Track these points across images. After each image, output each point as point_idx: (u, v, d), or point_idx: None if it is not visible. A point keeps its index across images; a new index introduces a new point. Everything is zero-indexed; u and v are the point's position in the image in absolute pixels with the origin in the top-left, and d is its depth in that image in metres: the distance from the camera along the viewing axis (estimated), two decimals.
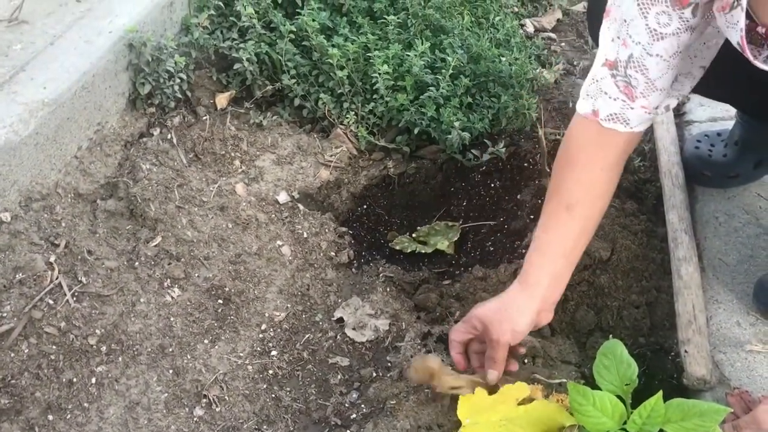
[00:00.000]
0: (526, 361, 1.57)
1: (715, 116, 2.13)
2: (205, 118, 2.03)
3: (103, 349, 1.51)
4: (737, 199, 1.84)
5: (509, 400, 1.36)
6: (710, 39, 1.34)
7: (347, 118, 2.09)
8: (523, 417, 1.33)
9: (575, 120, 1.38)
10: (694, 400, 1.24)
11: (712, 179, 1.87)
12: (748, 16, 1.14)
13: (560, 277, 1.39)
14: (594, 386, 1.29)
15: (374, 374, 1.60)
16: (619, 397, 1.27)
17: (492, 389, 1.39)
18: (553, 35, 2.74)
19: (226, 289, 1.70)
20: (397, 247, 1.93)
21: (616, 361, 1.31)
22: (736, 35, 1.11)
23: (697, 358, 1.46)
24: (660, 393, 1.23)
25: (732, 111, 2.08)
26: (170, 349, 1.57)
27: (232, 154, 2.00)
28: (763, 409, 1.25)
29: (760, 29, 1.16)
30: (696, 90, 1.68)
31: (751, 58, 1.14)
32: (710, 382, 1.44)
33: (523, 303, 1.36)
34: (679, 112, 2.20)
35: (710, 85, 1.63)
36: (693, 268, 1.63)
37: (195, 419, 1.48)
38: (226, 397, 1.53)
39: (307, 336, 1.69)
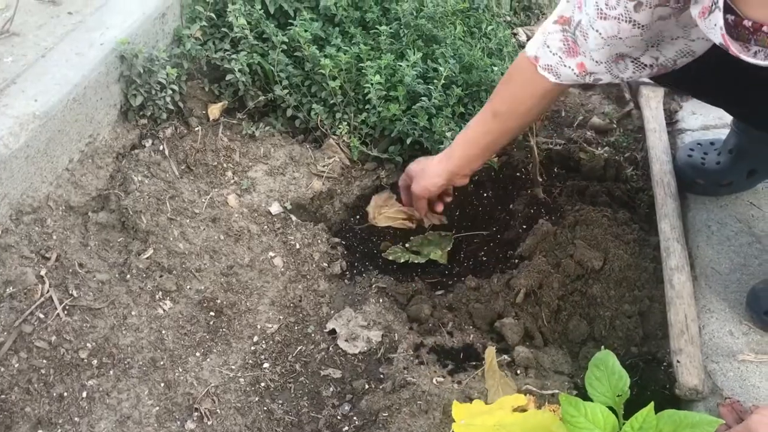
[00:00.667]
0: (519, 372, 1.57)
1: (708, 125, 2.14)
2: (197, 129, 2.02)
3: (94, 362, 1.51)
4: (729, 207, 1.84)
5: (505, 407, 1.39)
6: (672, 35, 1.41)
7: (340, 128, 2.09)
8: (518, 424, 1.34)
9: (521, 54, 1.61)
10: (685, 411, 1.24)
11: (704, 187, 1.87)
12: (733, 12, 1.15)
13: (473, 158, 1.77)
14: (586, 396, 1.29)
15: (367, 386, 1.59)
16: (611, 408, 1.27)
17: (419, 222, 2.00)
18: None
19: (218, 301, 1.69)
20: (390, 258, 1.93)
21: (607, 372, 1.31)
22: (717, 36, 1.15)
23: (689, 368, 1.46)
24: (651, 404, 1.22)
25: (724, 119, 2.09)
26: (162, 362, 1.56)
27: (225, 165, 2.00)
28: (755, 419, 1.24)
29: (747, 23, 1.16)
30: (697, 96, 1.74)
31: (736, 52, 1.16)
32: (703, 392, 1.43)
33: (439, 168, 1.79)
34: (671, 121, 2.21)
35: (708, 92, 1.65)
36: (685, 278, 1.63)
37: None
38: (217, 410, 1.52)
39: (299, 348, 1.69)
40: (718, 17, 1.12)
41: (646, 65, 1.49)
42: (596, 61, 1.46)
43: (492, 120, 1.69)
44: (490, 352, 1.58)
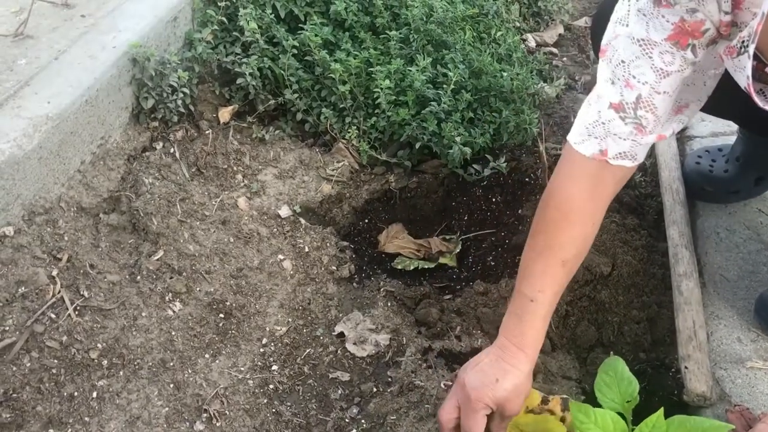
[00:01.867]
0: None
1: (717, 131, 2.14)
2: (207, 132, 2.04)
3: (105, 363, 1.52)
4: (738, 214, 1.84)
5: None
6: (706, 74, 1.33)
7: (349, 132, 2.10)
8: (531, 424, 1.33)
9: (566, 165, 1.35)
10: (696, 417, 1.24)
11: (713, 194, 1.88)
12: (756, 57, 1.14)
13: (544, 332, 1.34)
14: (594, 402, 1.29)
15: (375, 389, 1.60)
16: (620, 414, 1.27)
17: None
18: (554, 50, 2.76)
19: (228, 303, 1.70)
20: (399, 267, 1.93)
21: (617, 378, 1.31)
22: (743, 80, 1.11)
23: (697, 374, 1.46)
24: (661, 410, 1.22)
25: (733, 126, 2.09)
26: (171, 363, 1.57)
27: (235, 168, 2.01)
28: (762, 426, 1.24)
29: None
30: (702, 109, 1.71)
31: (760, 103, 1.13)
32: (711, 399, 1.43)
33: (528, 373, 1.31)
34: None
35: (713, 104, 1.65)
36: (693, 284, 1.63)
37: None
38: (226, 412, 1.53)
39: (307, 350, 1.70)
40: (747, 63, 1.08)
41: (700, 104, 1.39)
42: (666, 122, 1.32)
43: (563, 272, 1.33)
44: None
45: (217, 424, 1.50)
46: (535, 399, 1.36)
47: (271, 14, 2.13)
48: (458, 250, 1.98)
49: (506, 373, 1.28)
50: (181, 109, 2.00)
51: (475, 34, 2.29)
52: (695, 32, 1.18)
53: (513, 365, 1.29)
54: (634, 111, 1.26)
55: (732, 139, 1.97)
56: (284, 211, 1.95)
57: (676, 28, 1.19)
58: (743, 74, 1.10)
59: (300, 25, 2.18)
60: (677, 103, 1.33)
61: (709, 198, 1.89)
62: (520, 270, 1.36)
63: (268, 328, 1.71)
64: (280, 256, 1.85)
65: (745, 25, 1.11)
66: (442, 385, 1.54)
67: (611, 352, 1.60)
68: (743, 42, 1.08)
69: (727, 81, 1.28)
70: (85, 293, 1.58)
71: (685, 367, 1.48)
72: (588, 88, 2.52)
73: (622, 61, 1.25)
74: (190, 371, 1.57)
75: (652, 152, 2.13)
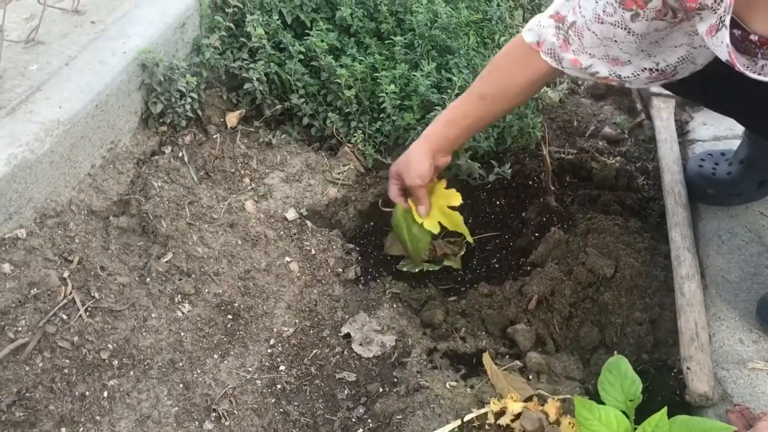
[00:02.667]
0: (531, 377, 1.59)
1: (719, 135, 2.16)
2: (215, 136, 2.07)
3: (115, 363, 1.54)
4: (740, 217, 1.86)
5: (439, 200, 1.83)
6: (675, 43, 1.44)
7: (355, 136, 2.12)
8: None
9: (515, 41, 1.64)
10: (698, 418, 1.25)
11: (715, 197, 1.90)
12: (739, 26, 1.18)
13: (453, 138, 1.77)
14: (598, 402, 1.31)
15: (381, 389, 1.62)
16: (623, 412, 1.29)
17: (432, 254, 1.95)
18: None
19: (236, 304, 1.73)
20: (405, 269, 1.95)
21: (620, 377, 1.33)
22: (724, 53, 1.18)
23: (699, 374, 1.47)
24: (665, 409, 1.24)
25: (735, 130, 2.11)
26: (180, 364, 1.59)
27: (242, 172, 2.03)
28: (763, 425, 1.26)
29: (753, 37, 1.19)
30: (708, 105, 1.76)
31: (741, 69, 1.20)
32: (712, 399, 1.45)
33: (421, 153, 1.76)
34: (682, 131, 2.23)
35: (721, 103, 1.67)
36: (696, 286, 1.65)
37: None
38: (235, 411, 1.55)
39: (314, 351, 1.72)
40: (725, 35, 1.15)
41: (645, 68, 1.51)
42: (591, 56, 1.50)
43: (477, 102, 1.70)
44: (486, 359, 1.61)
45: (226, 424, 1.52)
46: (456, 199, 1.81)
47: (277, 20, 2.16)
48: (463, 252, 2.00)
49: (405, 152, 1.80)
50: (190, 114, 2.03)
51: (479, 39, 2.31)
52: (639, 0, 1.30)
53: (413, 148, 1.78)
54: (567, 29, 1.49)
55: (734, 144, 1.99)
56: (291, 214, 1.97)
57: None
58: (723, 47, 1.18)
59: (306, 30, 2.20)
60: (611, 53, 1.47)
61: (712, 201, 1.91)
62: None
63: (275, 329, 1.73)
64: (287, 258, 1.88)
65: (719, 3, 1.17)
66: (447, 385, 1.56)
67: (615, 352, 1.62)
68: (721, 18, 1.15)
69: (732, 79, 1.30)
70: (96, 294, 1.60)
71: (687, 368, 1.50)
72: (591, 92, 2.55)
73: None
74: (199, 371, 1.59)
75: (654, 156, 2.15)
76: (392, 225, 1.92)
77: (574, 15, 1.46)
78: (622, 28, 1.37)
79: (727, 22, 1.15)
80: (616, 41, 1.42)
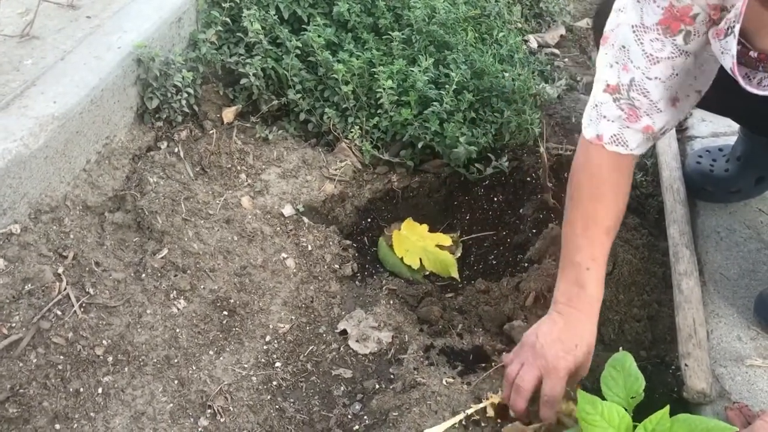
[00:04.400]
0: None
1: (717, 132, 2.15)
2: (211, 132, 2.06)
3: (110, 359, 1.53)
4: (738, 214, 1.85)
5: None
6: (705, 63, 1.36)
7: (352, 132, 2.11)
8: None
9: (586, 148, 1.44)
10: (700, 416, 1.24)
11: (713, 194, 1.89)
12: (740, 42, 1.17)
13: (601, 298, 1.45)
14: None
15: (377, 386, 1.61)
16: (624, 409, 1.28)
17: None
18: (556, 51, 2.77)
19: (232, 300, 1.72)
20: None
21: (624, 373, 1.32)
22: (729, 62, 1.15)
23: (697, 371, 1.47)
24: (667, 408, 1.23)
25: (733, 127, 2.10)
26: (176, 360, 1.59)
27: (238, 168, 2.02)
28: (761, 424, 1.25)
29: (753, 54, 1.18)
30: (701, 106, 1.73)
31: (742, 83, 1.17)
32: (710, 396, 1.44)
33: (594, 334, 1.43)
34: (680, 128, 2.22)
35: (715, 102, 1.66)
36: (694, 283, 1.64)
37: (200, 429, 1.49)
38: (230, 408, 1.54)
39: (310, 348, 1.71)
40: (732, 44, 1.12)
41: (694, 99, 1.42)
42: (661, 111, 1.36)
43: (607, 239, 1.45)
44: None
45: (221, 420, 1.52)
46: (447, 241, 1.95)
47: (274, 15, 2.15)
48: (459, 254, 2.00)
49: (581, 339, 1.39)
50: (186, 109, 2.02)
51: (477, 35, 2.30)
52: (684, 17, 1.22)
53: (583, 331, 1.40)
54: (628, 92, 1.33)
55: (732, 140, 1.98)
56: (287, 210, 1.97)
57: (666, 12, 1.23)
58: (729, 56, 1.13)
59: (303, 26, 2.19)
60: (675, 90, 1.36)
61: (710, 197, 1.90)
62: (566, 242, 1.47)
63: (271, 326, 1.72)
64: (284, 255, 1.87)
65: (733, 6, 1.13)
66: (444, 382, 1.55)
67: (620, 348, 1.61)
68: (730, 25, 1.11)
69: (728, 78, 1.30)
70: (91, 290, 1.59)
71: (685, 365, 1.49)
72: (589, 88, 2.53)
73: (622, 47, 1.31)
74: (194, 368, 1.59)
75: (652, 152, 2.15)
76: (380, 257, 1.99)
77: (628, 73, 1.32)
78: (679, 56, 1.28)
79: (737, 31, 1.10)
80: (677, 74, 1.31)
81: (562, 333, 1.40)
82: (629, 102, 1.35)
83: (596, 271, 1.42)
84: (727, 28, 1.13)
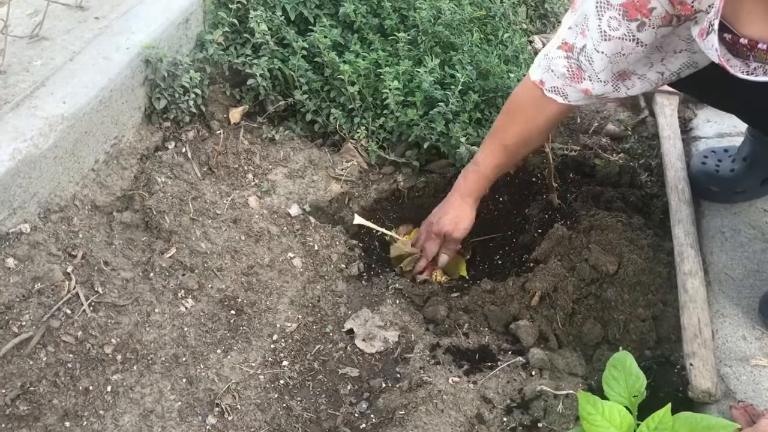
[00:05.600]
0: (533, 373, 1.60)
1: (722, 132, 2.16)
2: (218, 132, 2.07)
3: (119, 357, 1.54)
4: (743, 214, 1.86)
5: None
6: (675, 49, 1.47)
7: (358, 132, 2.12)
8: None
9: (524, 80, 1.68)
10: (702, 414, 1.25)
11: (718, 194, 1.89)
12: (729, 30, 1.20)
13: (483, 189, 1.87)
14: (601, 398, 1.31)
15: (384, 385, 1.62)
16: (626, 408, 1.29)
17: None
18: None
19: (239, 300, 1.73)
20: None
21: (625, 372, 1.33)
22: (714, 56, 1.22)
23: (702, 371, 1.47)
24: (668, 406, 1.24)
25: (739, 127, 2.11)
26: (184, 359, 1.60)
27: (245, 168, 2.04)
28: (766, 423, 1.26)
29: (743, 41, 1.20)
30: (711, 104, 1.77)
31: (731, 71, 1.24)
32: (715, 396, 1.45)
33: (467, 211, 1.87)
34: (686, 128, 2.23)
35: (722, 102, 1.68)
36: (699, 283, 1.64)
37: (208, 427, 1.50)
38: (238, 406, 1.55)
39: (317, 347, 1.72)
40: (714, 39, 1.20)
41: (652, 81, 1.54)
42: (603, 81, 1.51)
43: (503, 153, 1.78)
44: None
45: (229, 418, 1.53)
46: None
47: (281, 16, 2.16)
48: (469, 256, 2.01)
49: (449, 209, 1.88)
50: (193, 110, 2.03)
51: (482, 35, 2.31)
52: (642, 8, 1.32)
53: (455, 205, 1.87)
54: (578, 55, 1.50)
55: (737, 141, 1.99)
56: (294, 210, 1.98)
57: None
58: (713, 51, 1.22)
59: (309, 27, 2.20)
60: (619, 68, 1.49)
61: (715, 198, 1.90)
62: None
63: (278, 325, 1.73)
64: (290, 254, 1.88)
65: (711, 6, 1.21)
66: (450, 381, 1.56)
67: (620, 348, 1.62)
68: (710, 22, 1.19)
69: (726, 77, 1.31)
70: (100, 289, 1.61)
71: (690, 364, 1.50)
72: None
73: (585, 15, 1.43)
74: (202, 366, 1.60)
75: (657, 153, 2.15)
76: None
77: (584, 39, 1.46)
78: (630, 40, 1.38)
79: (716, 26, 1.18)
80: (624, 55, 1.42)
81: (438, 209, 1.92)
82: (577, 63, 1.51)
83: (481, 169, 1.81)
84: (709, 27, 1.20)
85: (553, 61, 1.56)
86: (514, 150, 1.77)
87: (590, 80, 1.52)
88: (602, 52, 1.44)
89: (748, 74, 1.24)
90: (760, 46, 1.20)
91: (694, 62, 1.49)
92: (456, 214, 1.86)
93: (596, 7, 1.38)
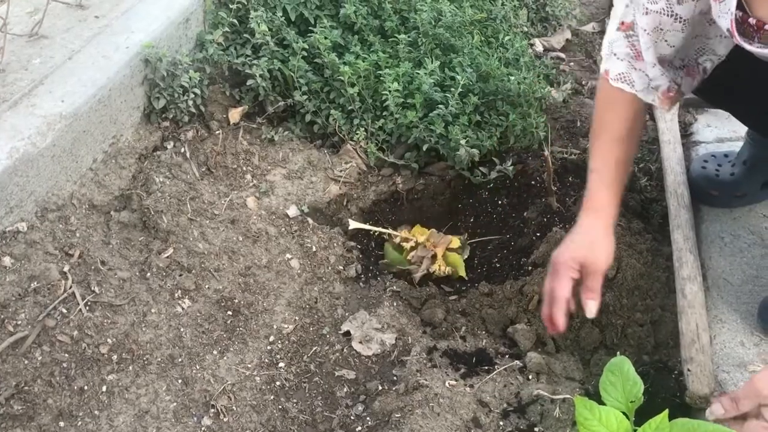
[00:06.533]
0: (530, 377, 1.59)
1: (722, 137, 2.15)
2: (217, 132, 2.06)
3: (114, 358, 1.54)
4: (743, 219, 1.85)
5: None
6: (706, 40, 1.42)
7: (357, 134, 2.12)
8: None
9: (600, 81, 1.55)
10: (699, 421, 1.24)
11: (718, 198, 1.89)
12: (741, 7, 1.18)
13: (617, 196, 1.51)
14: (598, 403, 1.30)
15: (380, 388, 1.62)
16: (623, 414, 1.28)
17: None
18: (562, 55, 2.77)
19: (236, 300, 1.73)
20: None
21: (622, 377, 1.32)
22: (726, 22, 1.18)
23: (699, 376, 1.47)
24: (666, 412, 1.23)
25: (738, 132, 2.11)
26: (180, 359, 1.59)
27: (244, 168, 2.03)
28: (759, 377, 1.24)
29: (751, 20, 1.20)
30: (713, 104, 1.76)
31: (739, 40, 1.20)
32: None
33: (604, 230, 1.47)
34: (685, 133, 2.23)
35: (725, 100, 1.67)
36: (697, 288, 1.64)
37: (203, 429, 1.50)
38: (233, 408, 1.55)
39: (314, 348, 1.72)
40: (732, 3, 1.16)
41: (678, 67, 1.47)
42: (651, 63, 1.43)
43: (615, 144, 1.51)
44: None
45: (224, 420, 1.52)
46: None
47: (281, 17, 2.15)
48: (467, 255, 2.00)
49: (579, 233, 1.47)
50: (192, 110, 2.02)
51: (483, 38, 2.31)
52: None
53: (586, 227, 1.47)
54: (638, 30, 1.39)
55: (737, 145, 1.98)
56: (292, 211, 1.97)
57: None
58: (727, 16, 1.17)
59: (310, 27, 2.20)
60: (657, 49, 1.41)
61: (715, 202, 1.90)
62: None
63: (275, 326, 1.73)
64: (288, 255, 1.87)
65: None
66: (447, 384, 1.55)
67: (618, 353, 1.61)
68: None
69: (738, 77, 1.30)
70: (96, 289, 1.60)
71: (688, 370, 1.49)
72: (594, 92, 2.54)
73: None
74: (198, 367, 1.59)
75: (657, 157, 2.15)
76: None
77: (638, 14, 1.39)
78: (668, 15, 1.33)
79: None
80: (662, 30, 1.36)
81: (567, 237, 1.51)
82: (638, 40, 1.41)
83: (602, 173, 1.50)
84: None
85: (615, 44, 1.47)
86: (624, 134, 1.51)
87: (642, 60, 1.43)
88: (643, 29, 1.37)
89: (751, 46, 1.23)
90: (766, 27, 1.20)
91: (712, 49, 1.44)
92: (585, 237, 1.47)
93: None
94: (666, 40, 1.40)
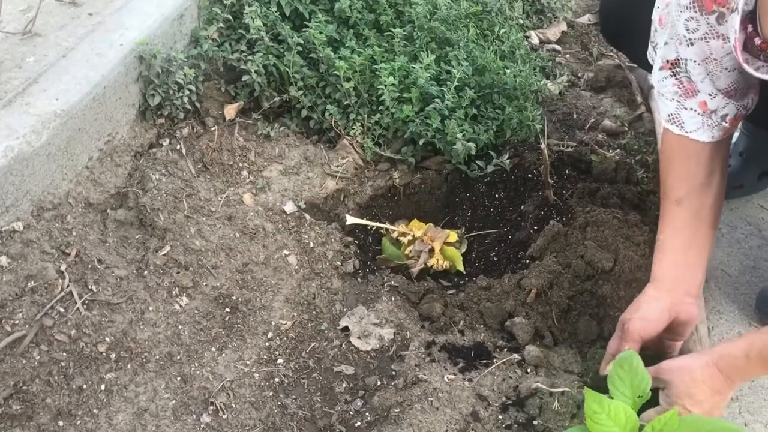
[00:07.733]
0: (529, 370, 1.59)
1: None
2: (213, 128, 2.06)
3: (113, 356, 1.54)
4: (740, 210, 1.85)
5: None
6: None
7: (353, 129, 2.12)
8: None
9: (662, 131, 1.50)
10: (706, 417, 1.25)
11: None
12: (753, 22, 1.18)
13: (685, 267, 1.46)
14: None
15: (379, 383, 1.62)
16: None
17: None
18: (557, 47, 2.77)
19: (234, 297, 1.72)
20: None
21: (631, 372, 1.32)
22: (732, 37, 1.19)
23: None
24: (676, 409, 1.23)
25: None
26: (178, 357, 1.59)
27: (240, 165, 2.03)
28: (667, 364, 1.30)
29: (757, 41, 1.19)
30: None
31: (740, 60, 1.20)
32: None
33: (652, 296, 1.45)
34: None
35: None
36: None
37: (202, 426, 1.50)
38: (232, 404, 1.55)
39: (312, 344, 1.72)
40: (736, 20, 1.15)
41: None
42: (710, 94, 1.38)
43: (678, 209, 1.47)
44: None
45: (224, 417, 1.52)
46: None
47: (276, 12, 2.14)
48: (464, 250, 2.00)
49: (639, 304, 1.46)
50: (187, 106, 2.02)
51: (478, 31, 2.30)
52: None
53: (645, 298, 1.46)
54: (686, 66, 1.34)
55: (734, 137, 1.98)
56: (289, 207, 1.97)
57: None
58: (733, 32, 1.17)
59: (305, 22, 2.19)
60: (722, 84, 1.36)
61: None
62: None
63: (273, 323, 1.73)
64: (285, 252, 1.87)
65: None
66: (446, 378, 1.56)
67: None
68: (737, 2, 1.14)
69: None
70: (93, 287, 1.60)
71: None
72: (590, 84, 2.54)
73: (673, 24, 1.33)
74: (196, 364, 1.59)
75: (654, 148, 2.15)
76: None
77: (681, 47, 1.35)
78: (715, 38, 1.28)
79: (740, 6, 1.14)
80: (715, 60, 1.32)
81: (639, 297, 1.48)
82: (687, 75, 1.37)
83: (663, 241, 1.48)
84: (735, 5, 1.16)
85: (661, 84, 1.42)
86: (690, 201, 1.46)
87: (703, 92, 1.38)
88: (693, 61, 1.33)
89: (750, 69, 1.22)
90: None
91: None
92: (639, 300, 1.48)
93: (677, 12, 1.30)
94: (726, 68, 1.34)
